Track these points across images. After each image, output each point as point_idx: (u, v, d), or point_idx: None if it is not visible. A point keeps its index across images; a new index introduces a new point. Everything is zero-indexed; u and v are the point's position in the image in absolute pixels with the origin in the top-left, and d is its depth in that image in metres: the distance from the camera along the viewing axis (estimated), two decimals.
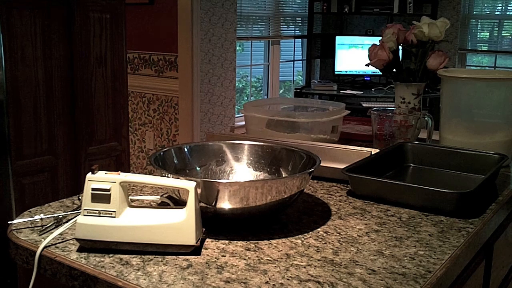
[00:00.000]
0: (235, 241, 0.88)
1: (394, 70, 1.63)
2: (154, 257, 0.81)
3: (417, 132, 1.50)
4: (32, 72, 2.18)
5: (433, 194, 1.02)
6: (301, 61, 5.62)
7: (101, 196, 0.82)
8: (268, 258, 0.82)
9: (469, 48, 5.32)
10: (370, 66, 1.64)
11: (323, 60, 5.71)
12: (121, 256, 0.81)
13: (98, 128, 2.52)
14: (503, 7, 5.17)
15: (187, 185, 0.82)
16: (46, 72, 2.24)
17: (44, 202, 1.10)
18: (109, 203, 0.82)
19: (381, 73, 1.69)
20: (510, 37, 5.23)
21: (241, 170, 1.11)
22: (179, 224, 0.81)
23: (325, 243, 0.88)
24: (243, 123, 1.64)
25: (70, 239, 0.86)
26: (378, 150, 1.28)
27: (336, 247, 0.86)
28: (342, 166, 1.16)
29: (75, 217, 0.92)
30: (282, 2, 5.08)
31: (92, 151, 2.50)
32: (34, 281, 0.82)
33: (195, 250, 0.82)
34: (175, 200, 0.95)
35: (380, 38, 1.63)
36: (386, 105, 4.31)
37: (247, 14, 4.68)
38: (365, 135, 1.65)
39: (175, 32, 3.87)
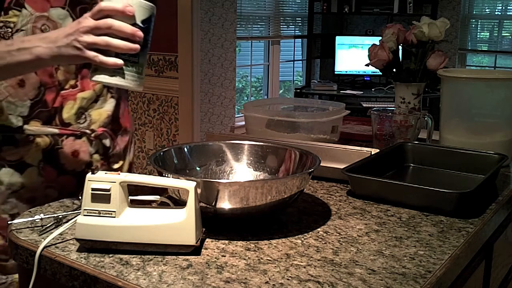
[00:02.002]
0: (235, 241, 0.88)
1: (394, 70, 1.63)
2: (154, 257, 0.81)
3: (417, 132, 1.50)
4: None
5: (433, 194, 1.02)
6: (301, 61, 5.62)
7: (101, 196, 0.82)
8: (268, 258, 0.82)
9: (469, 48, 5.33)
10: (370, 66, 1.65)
11: (323, 60, 5.71)
12: (121, 256, 0.81)
13: None
14: (503, 7, 5.17)
15: (187, 185, 0.82)
16: None
17: None
18: (109, 203, 0.82)
19: (381, 73, 1.70)
20: (510, 37, 5.24)
21: (241, 170, 1.11)
22: (179, 224, 0.81)
23: (325, 243, 0.88)
24: (243, 123, 1.64)
25: (70, 239, 0.87)
26: (378, 150, 1.28)
27: (336, 247, 0.86)
28: (342, 166, 1.16)
29: (75, 217, 0.92)
30: (282, 2, 5.08)
31: None
32: (34, 281, 0.82)
33: (195, 250, 0.82)
34: (175, 200, 0.95)
35: (380, 38, 1.63)
36: (386, 105, 4.31)
37: (247, 14, 4.68)
38: (365, 135, 1.65)
39: (175, 32, 3.87)
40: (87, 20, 0.87)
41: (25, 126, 1.08)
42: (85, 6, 1.11)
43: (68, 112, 1.12)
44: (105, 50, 0.87)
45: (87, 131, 1.15)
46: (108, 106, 1.20)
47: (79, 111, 1.14)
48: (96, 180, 0.82)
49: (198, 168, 1.10)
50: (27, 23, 1.03)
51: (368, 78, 5.31)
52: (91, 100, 1.16)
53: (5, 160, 1.07)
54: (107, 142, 1.19)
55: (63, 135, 1.12)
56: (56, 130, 1.11)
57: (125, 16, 0.86)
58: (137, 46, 0.87)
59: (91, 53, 0.87)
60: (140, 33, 0.87)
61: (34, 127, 1.08)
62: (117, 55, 0.87)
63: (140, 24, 0.88)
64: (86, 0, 1.11)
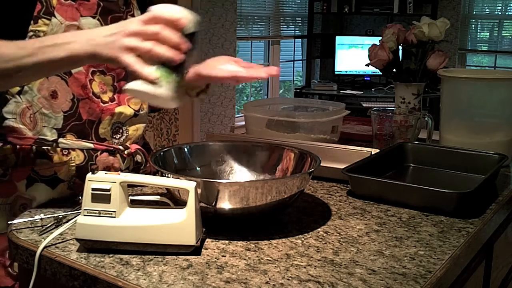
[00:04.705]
0: (235, 241, 0.88)
1: (394, 70, 1.63)
2: (154, 257, 0.81)
3: (417, 132, 1.50)
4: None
5: (433, 194, 1.02)
6: (301, 61, 5.62)
7: (101, 196, 0.82)
8: (268, 258, 0.82)
9: (469, 48, 5.33)
10: (370, 66, 1.65)
11: (323, 60, 5.71)
12: (121, 256, 0.81)
13: None
14: (503, 7, 5.17)
15: (187, 185, 0.82)
16: None
17: None
18: (109, 203, 0.82)
19: (381, 73, 1.70)
20: (510, 37, 5.24)
21: (241, 170, 1.11)
22: (179, 224, 0.81)
23: (325, 243, 0.88)
24: (243, 123, 1.64)
25: (70, 239, 0.87)
26: (378, 150, 1.28)
27: (336, 247, 0.86)
28: (342, 166, 1.16)
29: (75, 217, 0.92)
30: (282, 2, 5.08)
31: None
32: (34, 281, 0.82)
33: (195, 250, 0.82)
34: (175, 200, 0.95)
35: (380, 38, 1.63)
36: (386, 105, 4.31)
37: (247, 14, 4.68)
38: (365, 135, 1.65)
39: None
40: (134, 24, 0.82)
41: (60, 139, 1.05)
42: (117, 15, 1.09)
43: (104, 128, 1.10)
44: (144, 59, 0.82)
45: (121, 147, 1.13)
46: (144, 120, 1.19)
47: (115, 126, 1.12)
48: (96, 180, 0.82)
49: (198, 168, 1.09)
50: (57, 32, 1.00)
51: (368, 78, 5.31)
52: (129, 116, 1.14)
53: (38, 175, 1.05)
54: (138, 158, 1.18)
55: (97, 151, 1.10)
56: (91, 145, 1.08)
57: (175, 27, 0.82)
58: (181, 56, 0.82)
59: (129, 58, 0.81)
60: (186, 45, 0.82)
61: (69, 140, 1.06)
62: (158, 65, 0.82)
63: (187, 37, 0.83)
64: (118, 9, 1.10)
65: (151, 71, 0.81)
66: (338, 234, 0.91)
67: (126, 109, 1.14)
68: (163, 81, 0.82)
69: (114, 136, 1.13)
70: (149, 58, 0.82)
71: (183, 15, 0.83)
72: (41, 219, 0.92)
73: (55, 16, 1.01)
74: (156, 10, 0.84)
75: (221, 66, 1.09)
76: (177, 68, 0.84)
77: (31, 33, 1.00)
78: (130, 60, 0.81)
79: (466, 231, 0.94)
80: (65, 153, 1.07)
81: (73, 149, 1.07)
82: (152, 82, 0.82)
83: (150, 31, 0.81)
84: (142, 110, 1.18)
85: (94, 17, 1.06)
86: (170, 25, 0.82)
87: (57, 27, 1.01)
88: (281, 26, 5.11)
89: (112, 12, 1.09)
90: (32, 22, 1.00)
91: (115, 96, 1.12)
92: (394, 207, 1.05)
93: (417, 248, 0.86)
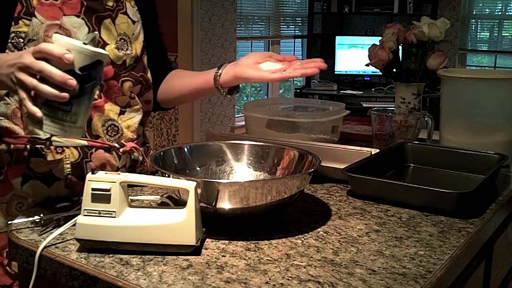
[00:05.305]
0: (235, 241, 0.88)
1: (394, 70, 1.63)
2: (154, 257, 0.81)
3: (417, 132, 1.50)
4: None
5: (433, 194, 1.02)
6: None
7: (101, 196, 0.82)
8: (268, 258, 0.82)
9: (469, 48, 5.33)
10: (370, 66, 1.64)
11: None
12: (121, 256, 0.81)
13: None
14: (503, 7, 5.17)
15: (187, 185, 0.82)
16: None
17: None
18: (109, 203, 0.82)
19: (381, 73, 1.69)
20: (510, 37, 5.24)
21: (241, 170, 1.11)
22: (179, 224, 0.81)
23: (325, 243, 0.88)
24: (243, 123, 1.64)
25: (70, 239, 0.87)
26: (378, 150, 1.28)
27: (336, 247, 0.86)
28: (342, 166, 1.16)
29: (75, 217, 0.92)
30: (282, 2, 5.08)
31: None
32: (34, 281, 0.82)
33: (195, 250, 0.82)
34: (175, 200, 0.95)
35: (380, 38, 1.63)
36: (386, 105, 4.31)
37: (247, 14, 4.68)
38: (365, 135, 1.65)
39: (175, 32, 3.87)
40: (26, 56, 0.81)
41: (53, 138, 1.05)
42: (101, 15, 1.09)
43: (96, 124, 1.10)
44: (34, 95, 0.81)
45: (116, 145, 1.13)
46: (137, 117, 1.18)
47: (106, 123, 1.12)
48: (96, 180, 0.82)
49: (198, 168, 1.10)
50: (38, 32, 1.01)
51: (368, 78, 5.30)
52: (117, 112, 1.14)
53: (33, 172, 1.05)
54: (135, 155, 1.17)
55: (92, 148, 1.09)
56: (85, 142, 1.08)
57: (60, 63, 0.80)
58: (65, 95, 0.79)
59: (21, 93, 0.81)
60: (72, 82, 0.79)
61: (62, 138, 1.06)
62: (47, 101, 0.81)
63: (78, 72, 0.81)
64: (102, 8, 1.10)
65: (36, 110, 0.81)
66: (338, 234, 0.91)
67: (113, 107, 1.14)
68: (47, 119, 0.82)
69: (108, 134, 1.13)
70: (37, 95, 0.81)
71: (75, 49, 0.81)
72: (41, 219, 0.92)
73: (35, 16, 1.01)
74: (53, 40, 0.82)
75: (263, 66, 1.09)
76: (68, 104, 0.82)
77: (12, 35, 1.00)
78: (22, 95, 0.81)
79: (466, 231, 0.94)
80: (59, 151, 1.07)
81: (67, 147, 1.07)
82: (37, 120, 0.81)
83: (35, 67, 0.80)
84: (129, 107, 1.17)
85: (78, 16, 1.06)
86: (56, 61, 0.80)
87: (37, 27, 1.01)
88: (281, 26, 5.11)
89: (96, 11, 1.09)
90: (13, 23, 1.00)
91: (101, 93, 1.12)
92: (394, 207, 1.05)
93: (417, 248, 0.86)
